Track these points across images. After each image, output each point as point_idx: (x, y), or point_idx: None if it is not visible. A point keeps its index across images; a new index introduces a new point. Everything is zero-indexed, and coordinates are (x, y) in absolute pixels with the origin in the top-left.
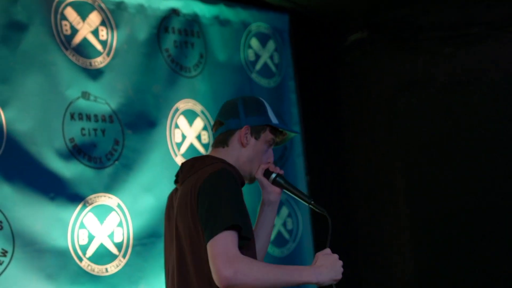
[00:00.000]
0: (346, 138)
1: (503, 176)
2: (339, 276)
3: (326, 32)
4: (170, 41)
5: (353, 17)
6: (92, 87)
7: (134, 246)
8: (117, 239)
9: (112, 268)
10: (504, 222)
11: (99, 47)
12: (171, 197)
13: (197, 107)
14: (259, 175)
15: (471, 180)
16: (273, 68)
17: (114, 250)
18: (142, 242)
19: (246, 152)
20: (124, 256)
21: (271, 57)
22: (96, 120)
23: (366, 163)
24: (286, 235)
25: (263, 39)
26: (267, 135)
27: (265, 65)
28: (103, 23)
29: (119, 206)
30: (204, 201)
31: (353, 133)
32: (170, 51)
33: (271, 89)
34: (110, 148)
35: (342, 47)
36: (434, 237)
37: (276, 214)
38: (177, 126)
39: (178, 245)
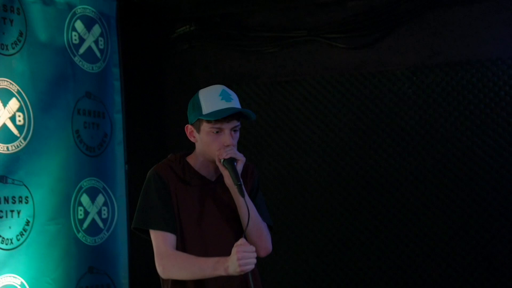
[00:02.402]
0: (168, 128)
1: (311, 172)
2: (241, 268)
3: (155, 22)
4: None
5: (182, 9)
6: None
7: None
8: None
9: None
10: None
11: None
12: None
13: (13, 87)
14: (217, 162)
15: (290, 172)
16: (97, 53)
17: None
18: None
19: (199, 146)
20: None
21: (96, 42)
22: None
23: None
24: (101, 224)
25: (89, 23)
26: (205, 127)
27: (90, 49)
28: None
29: None
30: None
31: (176, 123)
32: None
33: (94, 74)
34: None
35: (170, 38)
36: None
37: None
38: None
39: None
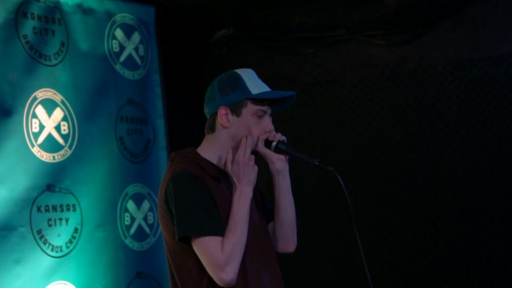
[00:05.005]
0: None
1: (356, 172)
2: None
3: (193, 27)
4: (29, 27)
5: (220, 13)
6: None
7: None
8: None
9: None
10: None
11: None
12: None
13: (57, 97)
14: (260, 147)
15: (331, 179)
16: (138, 60)
17: None
18: None
19: (233, 131)
20: None
21: (136, 49)
22: None
23: None
24: (147, 230)
25: (128, 31)
26: (250, 108)
27: (130, 57)
28: None
29: None
30: (172, 209)
31: None
32: (28, 37)
33: (135, 81)
34: None
35: (209, 43)
36: None
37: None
38: (35, 116)
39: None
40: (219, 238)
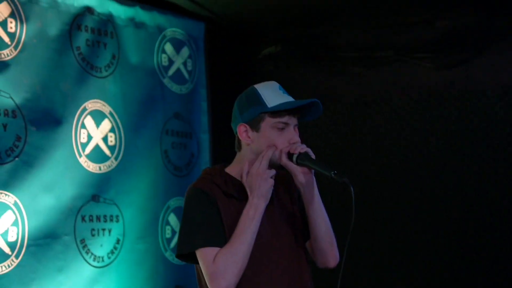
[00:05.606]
0: None
1: (399, 192)
2: (269, 185)
3: (241, 43)
4: (82, 39)
5: (268, 30)
6: None
7: (28, 246)
8: (11, 238)
9: (3, 268)
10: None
11: (6, 39)
12: None
13: (106, 109)
14: (284, 160)
15: (377, 192)
16: (186, 74)
17: (6, 249)
18: (37, 242)
19: (255, 147)
20: (17, 257)
21: (184, 64)
22: None
23: None
24: None
25: (178, 45)
26: (268, 122)
27: (178, 71)
28: (12, 15)
29: (15, 204)
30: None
31: None
32: (81, 49)
33: (182, 95)
34: (11, 144)
35: (256, 59)
36: None
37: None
38: (83, 126)
39: None
40: (215, 248)
